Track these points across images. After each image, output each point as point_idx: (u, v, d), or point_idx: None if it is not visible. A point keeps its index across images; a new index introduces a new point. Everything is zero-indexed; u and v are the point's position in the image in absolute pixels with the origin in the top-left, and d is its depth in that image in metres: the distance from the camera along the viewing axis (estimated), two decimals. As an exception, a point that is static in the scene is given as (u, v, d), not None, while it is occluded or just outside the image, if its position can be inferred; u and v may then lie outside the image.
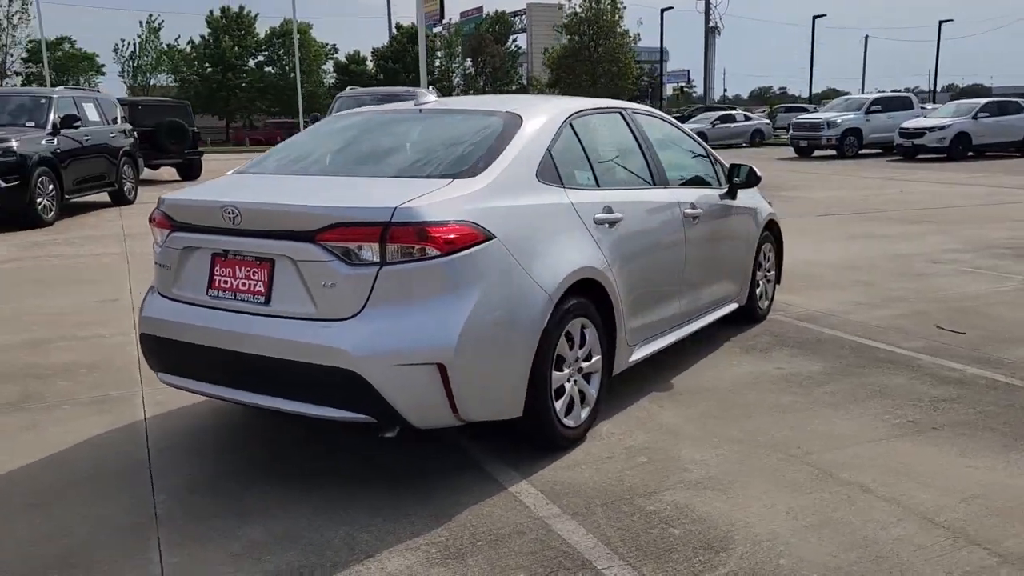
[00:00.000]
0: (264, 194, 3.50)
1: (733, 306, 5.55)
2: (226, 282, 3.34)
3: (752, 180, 5.39)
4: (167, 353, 3.55)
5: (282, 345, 3.12)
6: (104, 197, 14.35)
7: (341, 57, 59.32)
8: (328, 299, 3.09)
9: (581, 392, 3.78)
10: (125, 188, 14.37)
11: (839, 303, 6.61)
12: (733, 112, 36.80)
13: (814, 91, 53.82)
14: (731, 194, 5.37)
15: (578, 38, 38.35)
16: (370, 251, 3.06)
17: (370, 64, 57.36)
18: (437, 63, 59.23)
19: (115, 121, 14.57)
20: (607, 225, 3.94)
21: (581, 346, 3.75)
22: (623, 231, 4.05)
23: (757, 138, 34.79)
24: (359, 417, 3.11)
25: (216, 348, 3.30)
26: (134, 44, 52.45)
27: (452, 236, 3.11)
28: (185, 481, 3.43)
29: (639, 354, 4.29)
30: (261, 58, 55.12)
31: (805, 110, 38.59)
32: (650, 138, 4.71)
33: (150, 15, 53.92)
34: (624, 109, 4.70)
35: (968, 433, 3.87)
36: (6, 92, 13.69)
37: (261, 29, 54.96)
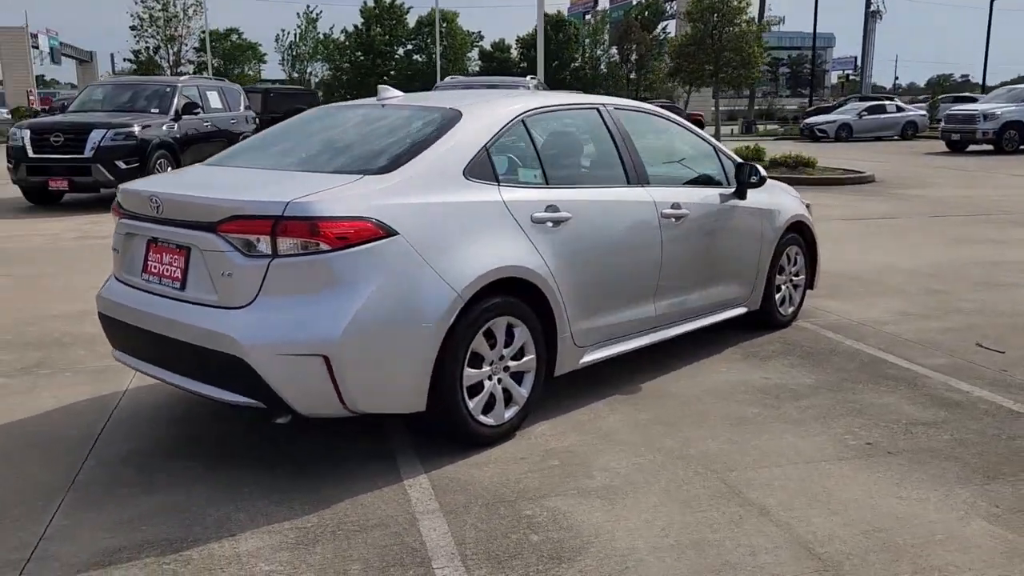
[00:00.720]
0: (187, 186, 3.71)
1: (740, 310, 5.32)
2: (155, 267, 3.56)
3: (759, 181, 5.14)
4: (115, 332, 3.82)
5: (189, 329, 3.30)
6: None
7: (487, 45, 60.32)
8: (227, 288, 3.25)
9: (507, 390, 3.76)
10: None
11: (886, 312, 6.18)
12: (884, 103, 34.59)
13: (1003, 80, 49.78)
14: (739, 194, 5.14)
15: (702, 26, 36.83)
16: (264, 243, 3.18)
17: (514, 51, 57.96)
18: (583, 51, 59.11)
19: (238, 108, 15.49)
20: (550, 224, 3.88)
21: (507, 345, 3.73)
22: (572, 230, 3.98)
23: (910, 131, 32.59)
24: (251, 402, 3.25)
25: (144, 329, 3.53)
26: (294, 34, 55.54)
27: (344, 231, 3.18)
28: (122, 451, 3.70)
29: (594, 356, 4.21)
30: (410, 46, 56.96)
31: (975, 100, 35.73)
32: (632, 136, 4.58)
33: (308, 6, 56.79)
34: (603, 105, 4.60)
35: (926, 461, 3.57)
36: (139, 81, 14.86)
37: (412, 19, 56.83)
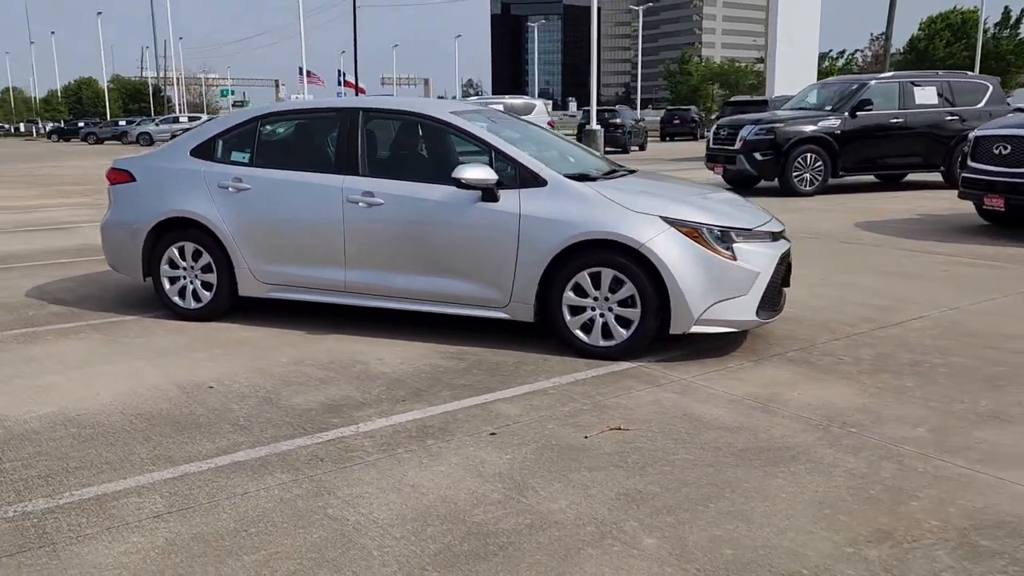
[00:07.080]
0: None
1: (497, 314, 5.12)
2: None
3: (484, 184, 4.96)
4: None
5: None
6: None
7: None
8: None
9: (196, 292, 5.87)
10: None
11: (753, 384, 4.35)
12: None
13: None
14: (487, 197, 5.02)
15: None
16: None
17: None
18: None
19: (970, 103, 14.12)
20: (231, 190, 5.67)
21: (196, 260, 5.83)
22: (248, 197, 5.63)
23: None
24: (111, 260, 6.58)
25: None
26: None
27: (116, 177, 6.20)
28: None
29: (281, 295, 5.66)
30: None
31: None
32: (362, 138, 5.45)
33: None
34: (358, 110, 5.55)
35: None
36: None
37: None
